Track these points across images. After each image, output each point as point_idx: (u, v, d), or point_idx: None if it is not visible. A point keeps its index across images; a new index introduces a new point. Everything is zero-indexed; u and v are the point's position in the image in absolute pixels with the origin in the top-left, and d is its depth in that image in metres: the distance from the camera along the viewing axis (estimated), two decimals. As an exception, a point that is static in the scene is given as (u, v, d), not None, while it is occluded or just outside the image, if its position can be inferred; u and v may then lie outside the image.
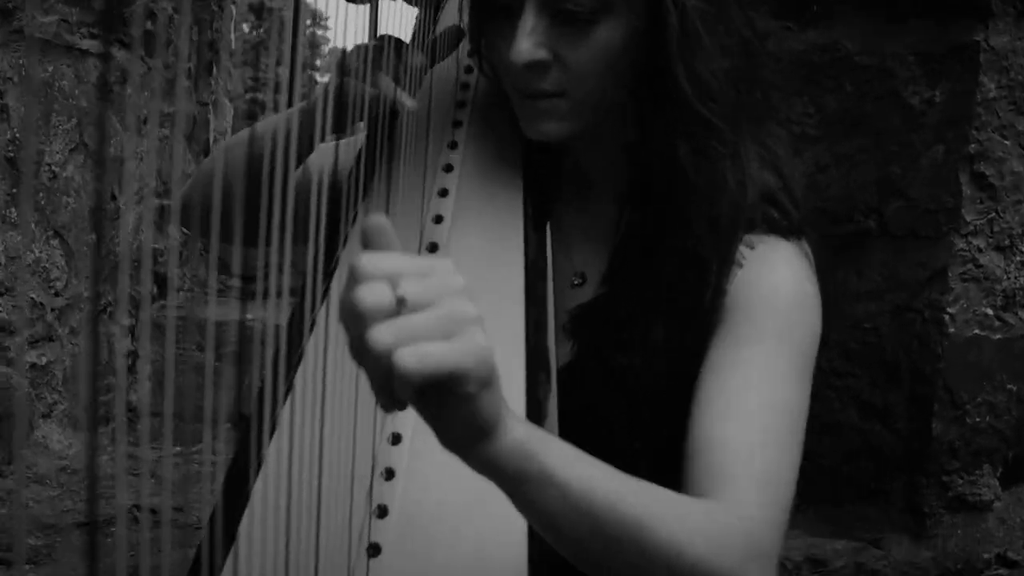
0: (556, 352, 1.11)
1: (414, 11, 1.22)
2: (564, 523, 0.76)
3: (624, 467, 0.82)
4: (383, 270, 0.65)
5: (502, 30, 1.03)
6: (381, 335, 0.63)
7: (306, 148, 1.07)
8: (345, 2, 1.00)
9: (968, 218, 1.91)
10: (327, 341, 0.89)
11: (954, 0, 1.92)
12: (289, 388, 0.88)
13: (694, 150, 1.01)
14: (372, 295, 0.64)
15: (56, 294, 2.64)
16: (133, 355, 3.04)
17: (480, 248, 1.09)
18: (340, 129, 1.03)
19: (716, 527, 0.84)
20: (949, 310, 1.91)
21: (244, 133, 1.20)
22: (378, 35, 1.04)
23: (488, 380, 0.67)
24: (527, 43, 0.99)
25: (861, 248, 2.06)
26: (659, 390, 1.07)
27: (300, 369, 0.94)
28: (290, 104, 0.78)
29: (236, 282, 3.57)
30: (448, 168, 1.16)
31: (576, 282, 1.16)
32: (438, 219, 1.12)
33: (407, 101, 1.04)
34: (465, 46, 1.25)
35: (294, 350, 0.96)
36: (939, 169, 1.93)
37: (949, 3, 1.93)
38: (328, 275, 1.04)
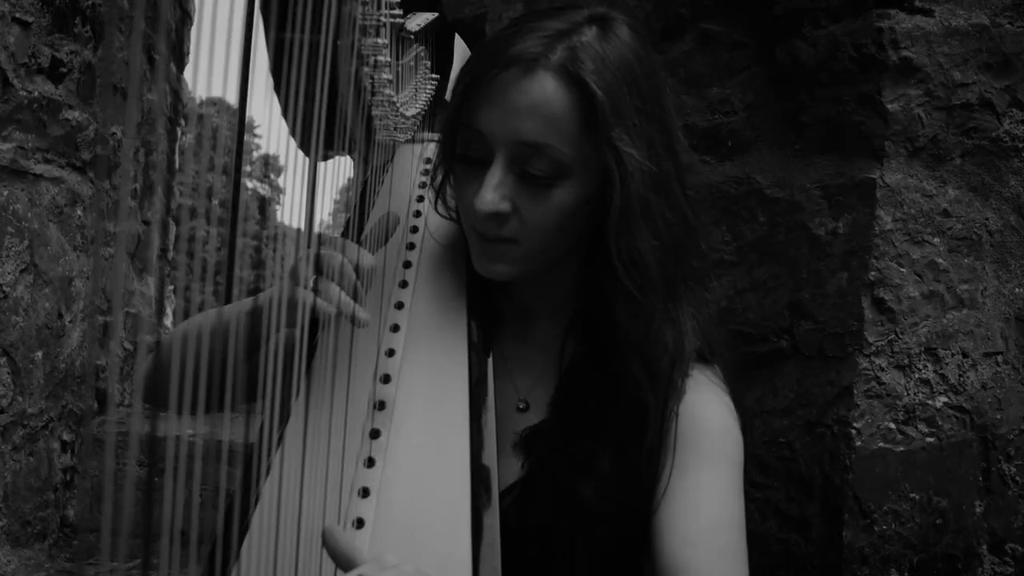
0: (505, 470, 1.23)
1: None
2: None
3: None
4: None
5: (469, 176, 1.16)
6: None
7: (255, 344, 1.15)
8: (300, 153, 1.12)
9: (870, 339, 2.06)
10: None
11: (853, 140, 2.11)
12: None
13: (628, 312, 1.15)
14: None
15: (0, 411, 2.68)
16: (71, 471, 3.06)
17: (429, 379, 1.20)
18: (291, 324, 1.08)
19: None
20: (855, 425, 2.04)
21: (199, 324, 1.21)
22: (322, 239, 1.15)
23: None
24: (493, 195, 1.12)
25: (775, 367, 2.20)
26: (607, 515, 1.19)
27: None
28: (234, 209, 0.82)
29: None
30: (399, 306, 1.27)
31: (521, 407, 1.28)
32: (390, 352, 1.22)
33: (359, 315, 1.11)
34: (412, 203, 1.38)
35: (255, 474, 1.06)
36: (844, 294, 2.09)
37: (849, 142, 2.11)
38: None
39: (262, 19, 0.95)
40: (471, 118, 1.13)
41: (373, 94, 1.14)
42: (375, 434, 1.18)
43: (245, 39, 0.73)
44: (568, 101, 1.09)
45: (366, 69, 1.09)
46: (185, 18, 3.79)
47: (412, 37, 1.28)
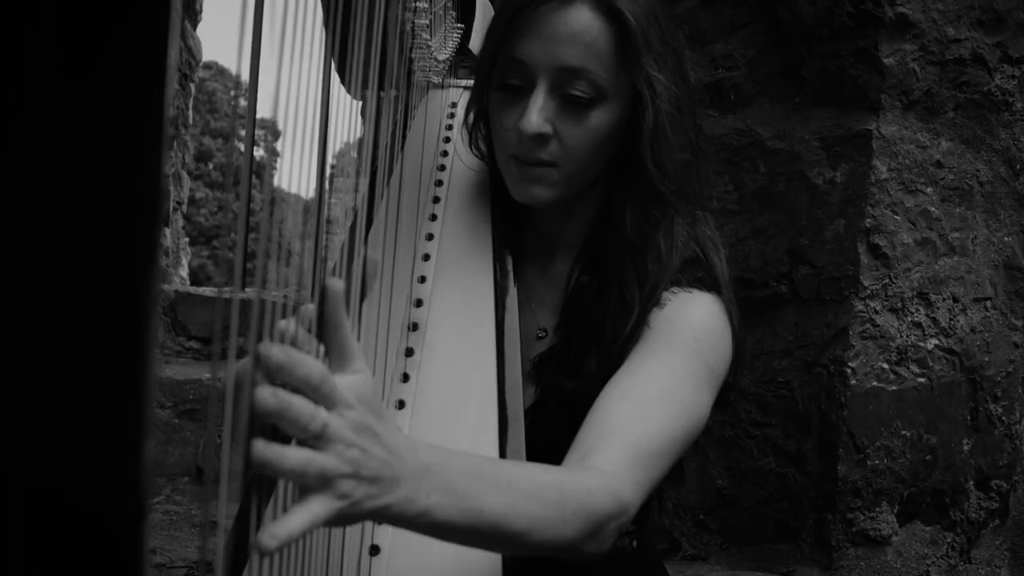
0: (525, 393, 1.33)
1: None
2: (452, 539, 0.92)
3: None
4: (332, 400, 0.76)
5: (510, 104, 1.25)
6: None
7: None
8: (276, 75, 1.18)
9: (866, 283, 2.16)
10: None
11: (850, 93, 2.20)
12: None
13: (639, 217, 1.25)
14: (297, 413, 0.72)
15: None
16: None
17: (458, 303, 1.30)
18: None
19: (583, 507, 0.99)
20: (851, 365, 2.15)
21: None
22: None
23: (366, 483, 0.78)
24: (538, 117, 1.22)
25: (775, 311, 2.30)
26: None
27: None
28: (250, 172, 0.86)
29: (194, 344, 3.72)
30: (429, 237, 1.37)
31: (540, 335, 1.38)
32: (422, 279, 1.32)
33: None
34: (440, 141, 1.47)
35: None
36: (841, 241, 2.19)
37: (846, 96, 2.21)
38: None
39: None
40: (513, 48, 1.22)
41: (414, 37, 1.23)
42: (409, 352, 1.28)
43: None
44: (604, 29, 1.19)
45: (408, 14, 1.18)
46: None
47: (440, -13, 1.37)
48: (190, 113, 3.81)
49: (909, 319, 2.20)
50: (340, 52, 1.02)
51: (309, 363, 0.74)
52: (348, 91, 1.21)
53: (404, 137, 1.42)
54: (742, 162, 2.39)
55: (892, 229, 2.17)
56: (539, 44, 1.20)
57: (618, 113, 1.23)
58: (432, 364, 1.28)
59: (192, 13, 3.75)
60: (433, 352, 1.29)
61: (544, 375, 1.33)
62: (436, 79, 1.45)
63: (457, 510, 0.87)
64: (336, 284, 0.81)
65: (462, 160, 1.43)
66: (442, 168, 1.47)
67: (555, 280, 1.37)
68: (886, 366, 2.18)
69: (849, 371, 2.15)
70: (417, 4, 1.19)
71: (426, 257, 1.37)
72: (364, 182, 1.43)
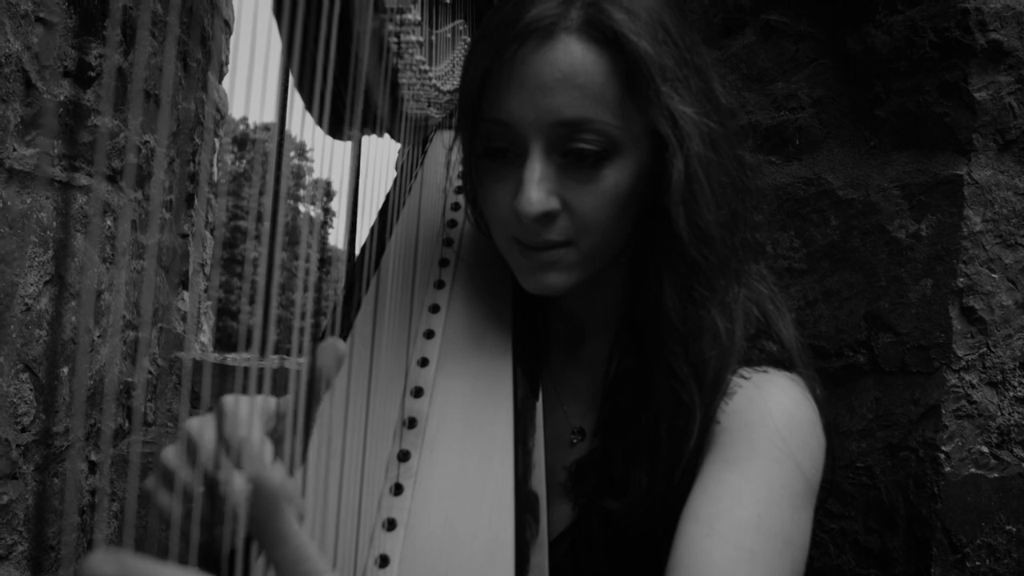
0: (558, 514, 1.05)
1: (397, 145, 1.18)
2: None
3: None
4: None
5: (500, 174, 0.98)
6: None
7: None
8: (328, 137, 0.97)
9: (959, 353, 1.86)
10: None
11: (935, 133, 1.92)
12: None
13: (680, 296, 0.97)
14: None
15: (23, 430, 2.56)
16: (96, 492, 2.94)
17: (467, 393, 1.04)
18: None
19: None
20: (944, 448, 1.84)
21: None
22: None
23: None
24: (538, 192, 0.94)
25: (852, 384, 2.00)
26: (644, 535, 1.01)
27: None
28: (272, 232, 0.73)
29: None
30: (435, 309, 1.11)
31: (575, 440, 1.11)
32: (423, 362, 1.06)
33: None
34: (450, 180, 1.21)
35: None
36: (928, 304, 1.89)
37: (931, 137, 1.92)
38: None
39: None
40: (493, 107, 0.94)
41: (400, 56, 0.97)
42: (404, 456, 1.02)
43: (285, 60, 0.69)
44: (602, 63, 0.91)
45: (390, 26, 0.92)
46: (224, 26, 3.68)
47: (448, 2, 1.12)
48: (215, 170, 3.61)
49: (1011, 394, 1.89)
50: (307, 87, 0.77)
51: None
52: (322, 128, 0.96)
53: (396, 190, 1.16)
54: (810, 214, 2.11)
55: (989, 289, 1.87)
56: (524, 98, 0.92)
57: (637, 163, 0.96)
58: (433, 470, 1.02)
59: (217, 66, 3.57)
60: (435, 455, 1.03)
61: (583, 490, 1.06)
62: (438, 114, 1.19)
63: None
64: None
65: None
66: (453, 224, 1.21)
67: (589, 368, 1.10)
68: (986, 449, 1.87)
69: (942, 456, 1.84)
70: (403, 17, 0.92)
71: (429, 334, 1.11)
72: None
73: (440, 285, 1.14)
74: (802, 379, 1.02)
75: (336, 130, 0.96)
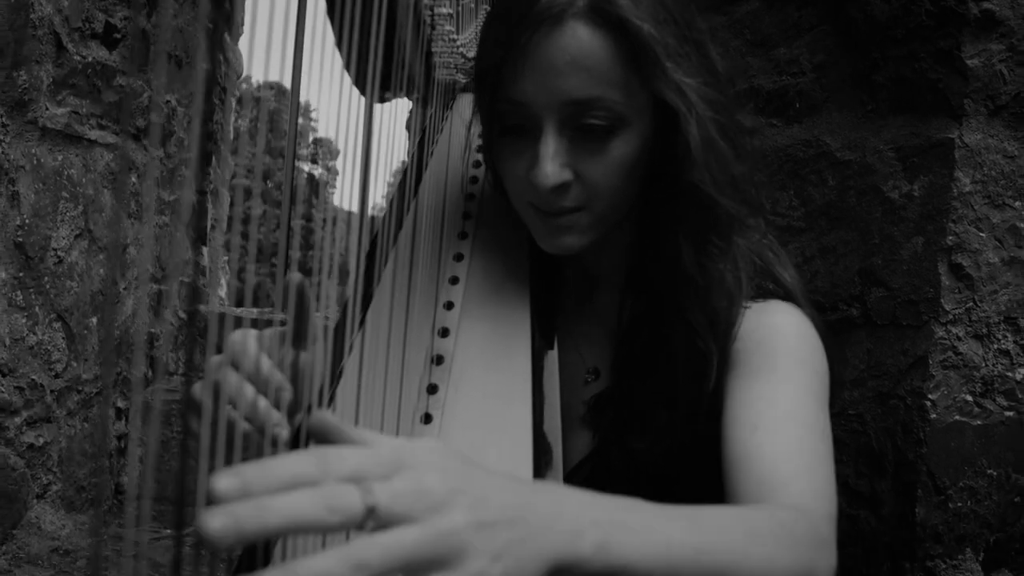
0: (578, 443, 1.15)
1: (407, 104, 1.28)
2: None
3: None
4: (347, 468, 0.56)
5: (518, 151, 1.07)
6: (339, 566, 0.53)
7: None
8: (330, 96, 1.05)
9: (947, 307, 1.96)
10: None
11: (929, 98, 2.01)
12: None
13: (696, 250, 1.07)
14: (338, 500, 0.54)
15: (56, 376, 2.67)
16: (124, 437, 3.06)
17: (489, 335, 1.14)
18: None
19: (786, 531, 0.83)
20: (930, 397, 1.95)
21: None
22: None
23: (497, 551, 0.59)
24: (552, 166, 1.03)
25: (846, 336, 2.11)
26: (665, 473, 1.11)
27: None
28: (291, 194, 0.77)
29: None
30: (459, 257, 1.21)
31: (590, 379, 1.21)
32: (449, 305, 1.17)
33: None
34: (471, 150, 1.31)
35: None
36: (919, 260, 2.00)
37: (925, 102, 2.02)
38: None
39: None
40: (509, 89, 1.04)
41: (433, 28, 1.07)
42: (432, 389, 1.13)
43: (299, 18, 0.71)
44: (609, 46, 1.00)
45: (425, 1, 1.02)
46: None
47: (473, -24, 1.22)
48: (230, 128, 3.70)
49: (996, 346, 2.00)
50: (347, 48, 0.87)
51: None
52: (361, 92, 1.06)
53: (423, 158, 1.26)
54: (809, 175, 2.21)
55: (977, 247, 1.97)
56: (537, 80, 1.01)
57: (642, 135, 1.05)
58: (458, 403, 1.13)
59: (232, 25, 3.65)
60: (460, 390, 1.14)
61: (600, 423, 1.16)
62: (463, 79, 1.29)
63: (640, 543, 0.67)
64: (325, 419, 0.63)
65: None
66: (474, 180, 1.31)
67: (600, 315, 1.20)
68: (970, 398, 1.98)
69: (929, 404, 1.95)
70: (437, -9, 1.02)
71: (454, 280, 1.22)
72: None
73: (463, 236, 1.25)
74: (805, 312, 1.12)
75: (375, 93, 1.06)
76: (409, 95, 1.13)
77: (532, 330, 1.16)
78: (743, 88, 2.41)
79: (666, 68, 1.01)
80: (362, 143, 1.02)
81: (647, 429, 1.13)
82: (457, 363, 1.15)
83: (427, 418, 1.11)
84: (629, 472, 1.12)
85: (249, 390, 0.85)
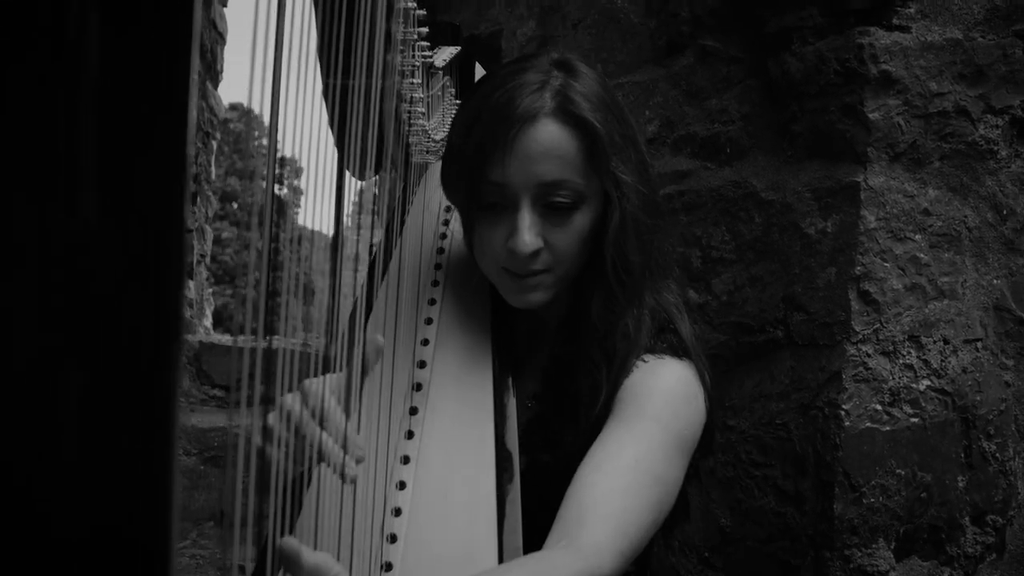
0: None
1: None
2: None
3: None
4: None
5: (495, 222, 1.33)
6: None
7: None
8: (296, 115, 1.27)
9: (857, 328, 2.25)
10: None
11: (839, 146, 2.30)
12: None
13: (603, 304, 1.34)
14: None
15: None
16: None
17: (459, 366, 1.41)
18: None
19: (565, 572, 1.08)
20: (844, 407, 2.24)
21: None
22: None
23: None
24: (530, 235, 1.30)
25: (772, 355, 2.40)
26: (563, 480, 1.36)
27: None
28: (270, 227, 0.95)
29: (217, 392, 3.84)
30: (432, 302, 1.48)
31: (529, 404, 1.48)
32: (425, 342, 1.44)
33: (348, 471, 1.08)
34: (440, 217, 1.58)
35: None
36: (832, 288, 2.29)
37: (835, 149, 2.31)
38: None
39: (320, 67, 1.15)
40: (490, 172, 1.29)
41: (410, 125, 1.35)
42: (413, 411, 1.39)
43: (276, 47, 0.76)
44: (573, 139, 1.27)
45: (404, 105, 1.30)
46: (218, 39, 4.01)
47: (439, 68, 1.49)
48: (212, 169, 3.95)
49: (901, 361, 2.29)
50: (339, 140, 1.13)
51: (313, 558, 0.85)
52: (349, 171, 1.33)
53: (403, 222, 1.54)
54: (738, 212, 2.50)
55: (882, 276, 2.26)
56: (516, 165, 1.27)
57: (595, 211, 1.32)
58: (435, 421, 1.39)
59: (213, 74, 3.90)
60: (436, 411, 1.40)
61: (528, 444, 1.42)
62: (433, 157, 1.57)
63: None
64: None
65: (458, 239, 1.54)
66: (444, 236, 1.58)
67: (539, 352, 1.47)
68: (879, 407, 2.27)
69: (843, 413, 2.24)
70: (413, 95, 1.30)
71: (428, 321, 1.49)
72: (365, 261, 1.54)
73: (436, 283, 1.52)
74: (692, 365, 1.38)
75: (361, 173, 1.33)
76: (388, 172, 1.40)
77: (493, 362, 1.43)
78: (681, 134, 2.71)
79: (611, 160, 1.28)
80: (336, 168, 1.19)
81: (556, 446, 1.39)
82: (433, 389, 1.41)
83: (410, 434, 1.37)
84: (544, 485, 1.34)
85: (314, 426, 1.08)
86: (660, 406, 1.29)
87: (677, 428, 1.29)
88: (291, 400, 1.10)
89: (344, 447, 1.08)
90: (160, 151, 0.47)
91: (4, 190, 0.45)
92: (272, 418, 1.11)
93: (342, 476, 1.04)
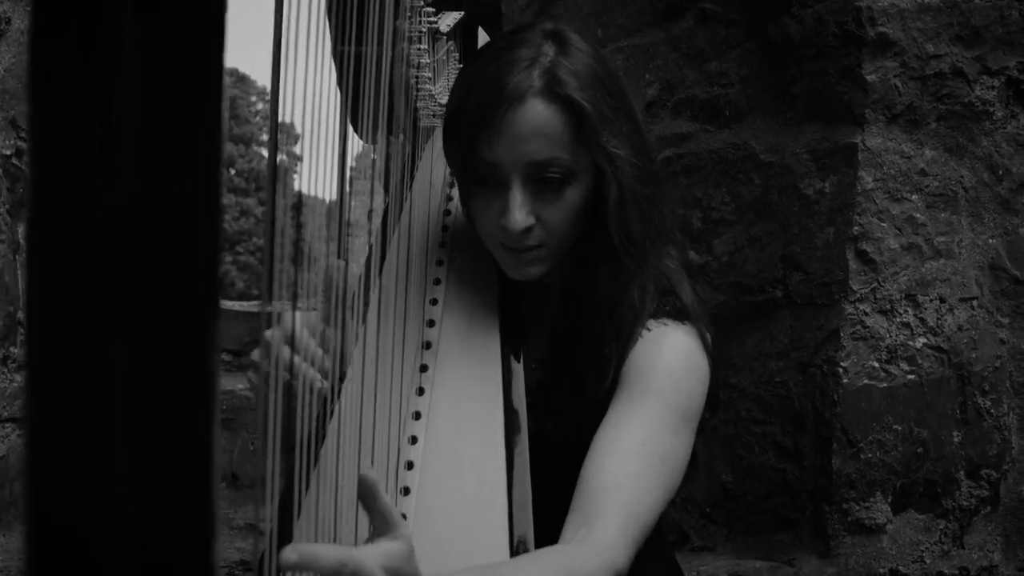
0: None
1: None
2: None
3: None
4: None
5: (489, 199, 1.36)
6: None
7: None
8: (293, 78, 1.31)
9: (855, 288, 2.30)
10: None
11: (837, 109, 2.34)
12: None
13: (610, 276, 1.37)
14: None
15: None
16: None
17: (466, 326, 1.45)
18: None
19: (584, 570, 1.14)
20: (843, 364, 2.29)
21: None
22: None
23: None
24: (521, 214, 1.32)
25: (772, 315, 2.44)
26: (575, 453, 1.40)
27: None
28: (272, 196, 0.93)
29: (226, 356, 3.89)
30: (439, 263, 1.52)
31: (534, 366, 1.51)
32: (433, 302, 1.47)
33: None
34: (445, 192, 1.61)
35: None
36: (830, 248, 2.33)
37: (833, 111, 2.35)
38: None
39: (329, 28, 1.18)
40: (482, 152, 1.32)
41: (418, 90, 1.38)
42: (423, 368, 1.43)
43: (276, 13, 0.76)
44: (561, 117, 1.28)
45: (412, 71, 1.33)
46: None
47: (444, 33, 1.52)
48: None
49: (898, 320, 2.33)
50: (352, 105, 1.17)
51: (323, 555, 0.87)
52: (360, 137, 1.36)
53: (412, 177, 1.57)
54: (737, 174, 2.53)
55: (879, 236, 2.30)
56: (505, 145, 1.29)
57: (586, 186, 1.35)
58: (444, 378, 1.43)
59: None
60: (445, 368, 1.44)
61: (533, 410, 1.45)
62: (439, 122, 1.60)
63: None
64: (370, 476, 0.96)
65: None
66: (450, 198, 1.62)
67: (544, 320, 1.51)
68: (876, 365, 2.32)
69: (841, 370, 2.28)
70: (420, 61, 1.33)
71: (437, 282, 1.52)
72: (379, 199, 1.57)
73: (443, 244, 1.55)
74: (695, 328, 1.41)
75: (373, 137, 1.36)
76: (393, 135, 1.43)
77: (500, 322, 1.46)
78: (681, 97, 2.73)
79: (600, 136, 1.31)
80: (339, 131, 1.22)
81: (560, 417, 1.43)
82: (442, 347, 1.45)
83: (420, 391, 1.41)
84: (547, 453, 1.36)
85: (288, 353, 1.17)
86: (665, 383, 1.32)
87: (681, 402, 1.32)
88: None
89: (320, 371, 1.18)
90: (197, 125, 0.48)
91: (51, 167, 0.48)
92: (269, 334, 1.18)
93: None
